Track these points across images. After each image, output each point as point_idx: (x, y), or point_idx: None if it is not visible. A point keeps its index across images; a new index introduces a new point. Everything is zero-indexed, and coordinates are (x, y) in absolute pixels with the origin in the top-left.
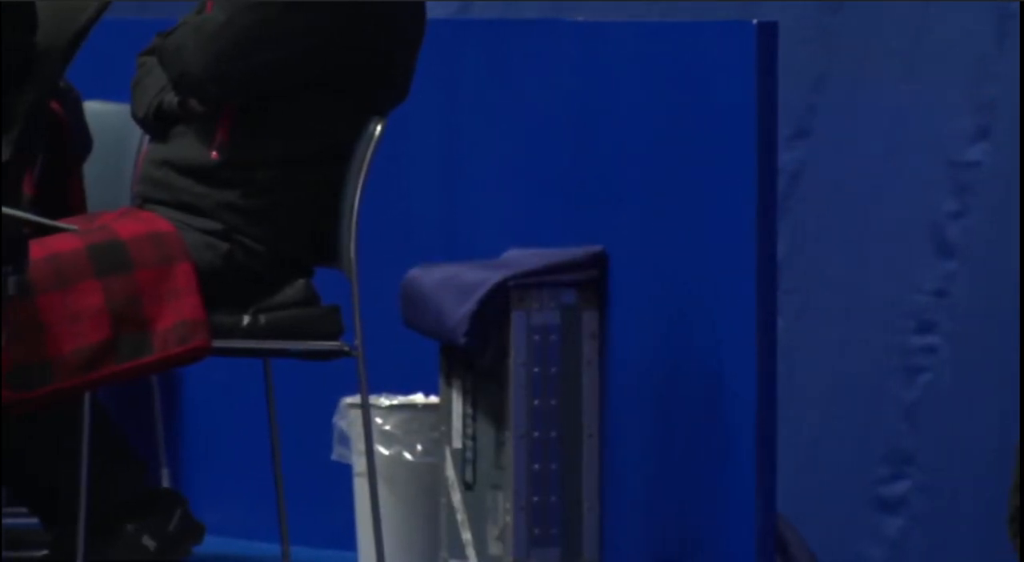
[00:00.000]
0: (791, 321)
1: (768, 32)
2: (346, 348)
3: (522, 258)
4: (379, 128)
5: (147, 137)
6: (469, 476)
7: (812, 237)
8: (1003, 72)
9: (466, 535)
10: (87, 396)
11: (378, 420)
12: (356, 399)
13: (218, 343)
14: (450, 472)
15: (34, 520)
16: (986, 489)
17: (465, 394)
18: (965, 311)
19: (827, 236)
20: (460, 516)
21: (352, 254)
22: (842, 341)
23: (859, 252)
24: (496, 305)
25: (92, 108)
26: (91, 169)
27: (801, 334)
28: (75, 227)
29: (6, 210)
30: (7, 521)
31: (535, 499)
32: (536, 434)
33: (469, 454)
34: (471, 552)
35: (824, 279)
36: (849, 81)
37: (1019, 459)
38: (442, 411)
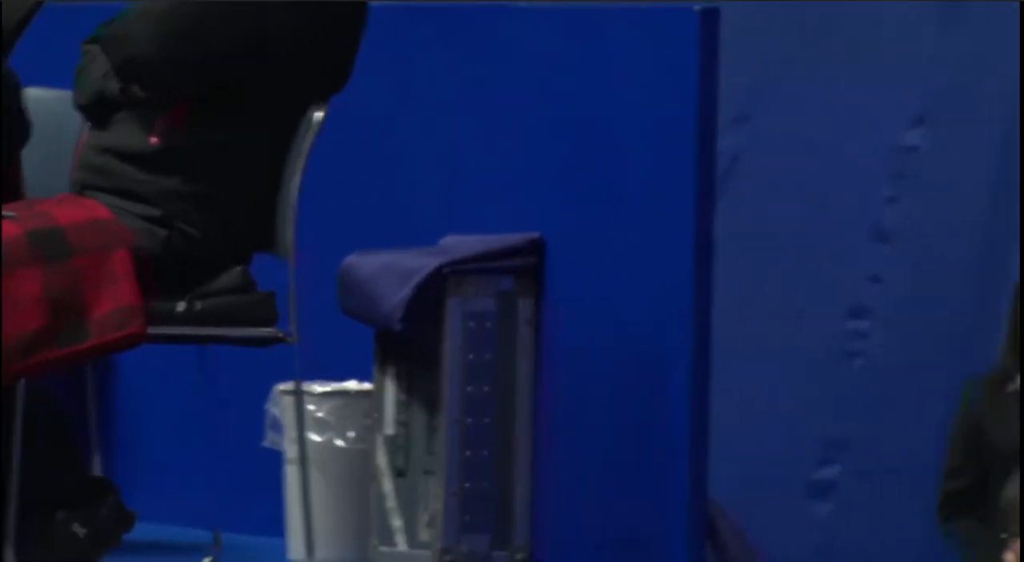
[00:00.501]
0: (726, 306)
1: (710, 18)
2: (281, 335)
3: (460, 244)
4: (319, 115)
5: (87, 124)
6: (401, 462)
7: (750, 222)
8: (942, 58)
9: (397, 522)
10: (21, 382)
11: (311, 407)
12: (290, 386)
13: (153, 329)
14: (381, 459)
15: None
16: (917, 475)
17: (400, 380)
18: (899, 297)
19: (765, 221)
20: (390, 503)
21: (290, 241)
22: (778, 326)
23: (797, 237)
24: (433, 291)
25: (33, 94)
26: (31, 156)
27: (738, 319)
28: (13, 214)
29: None
30: None
31: (467, 485)
32: (469, 420)
33: (401, 440)
34: (401, 538)
35: (761, 264)
36: (790, 68)
37: (950, 445)
38: (375, 398)
